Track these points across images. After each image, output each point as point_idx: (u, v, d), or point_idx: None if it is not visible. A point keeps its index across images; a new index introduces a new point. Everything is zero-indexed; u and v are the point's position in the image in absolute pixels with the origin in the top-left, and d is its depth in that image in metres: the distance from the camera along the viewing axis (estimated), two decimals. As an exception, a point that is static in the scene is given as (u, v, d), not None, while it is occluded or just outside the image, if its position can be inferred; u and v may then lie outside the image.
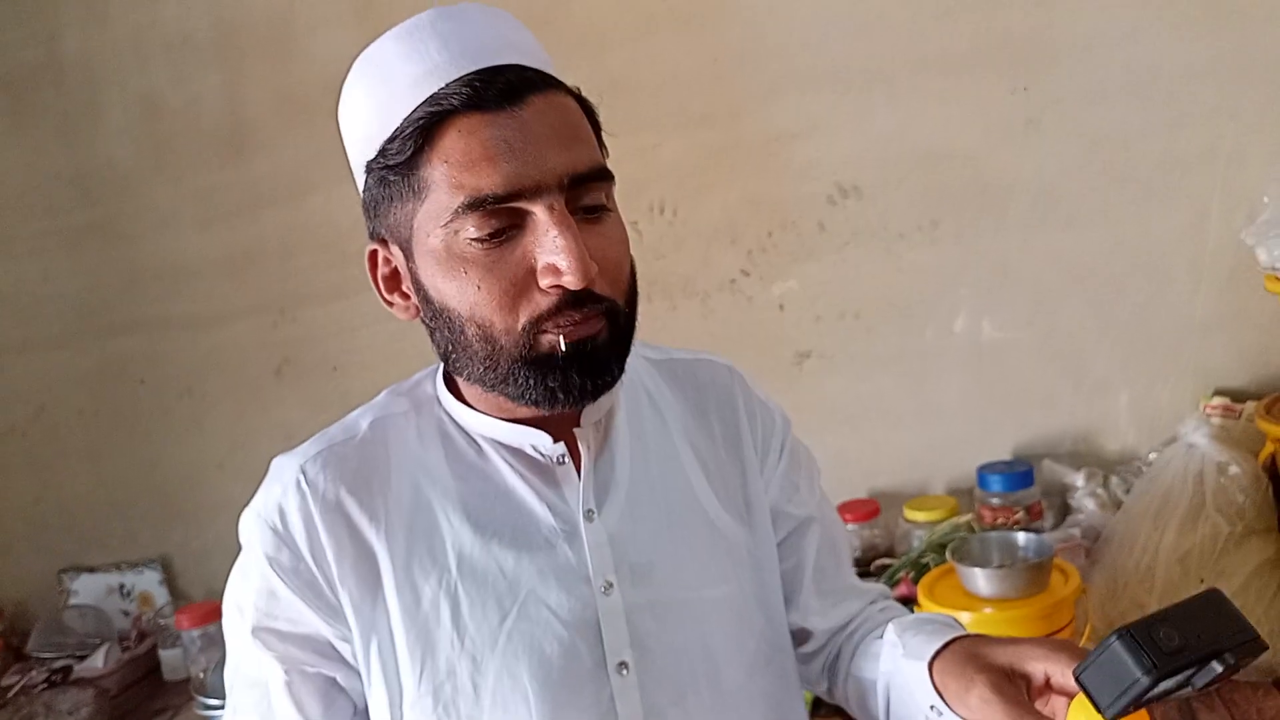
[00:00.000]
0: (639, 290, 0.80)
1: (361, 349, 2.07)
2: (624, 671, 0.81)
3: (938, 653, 0.79)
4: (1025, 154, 1.74)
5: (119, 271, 2.18)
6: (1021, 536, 1.43)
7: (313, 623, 0.80)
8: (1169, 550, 1.49)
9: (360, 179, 0.80)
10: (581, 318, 0.74)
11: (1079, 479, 1.75)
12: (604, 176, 0.76)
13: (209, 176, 2.10)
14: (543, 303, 0.73)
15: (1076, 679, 0.64)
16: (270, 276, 2.11)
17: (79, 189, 2.17)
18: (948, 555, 1.45)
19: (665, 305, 1.93)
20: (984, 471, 1.76)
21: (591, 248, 0.73)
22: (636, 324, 0.80)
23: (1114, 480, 1.75)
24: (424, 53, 0.74)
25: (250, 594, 0.81)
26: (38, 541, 2.32)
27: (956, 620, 0.88)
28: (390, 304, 0.82)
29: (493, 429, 0.82)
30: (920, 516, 1.76)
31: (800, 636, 0.95)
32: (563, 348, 0.74)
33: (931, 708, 0.77)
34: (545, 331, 0.74)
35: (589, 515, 0.82)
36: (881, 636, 0.88)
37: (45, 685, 1.96)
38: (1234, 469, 1.52)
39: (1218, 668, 0.61)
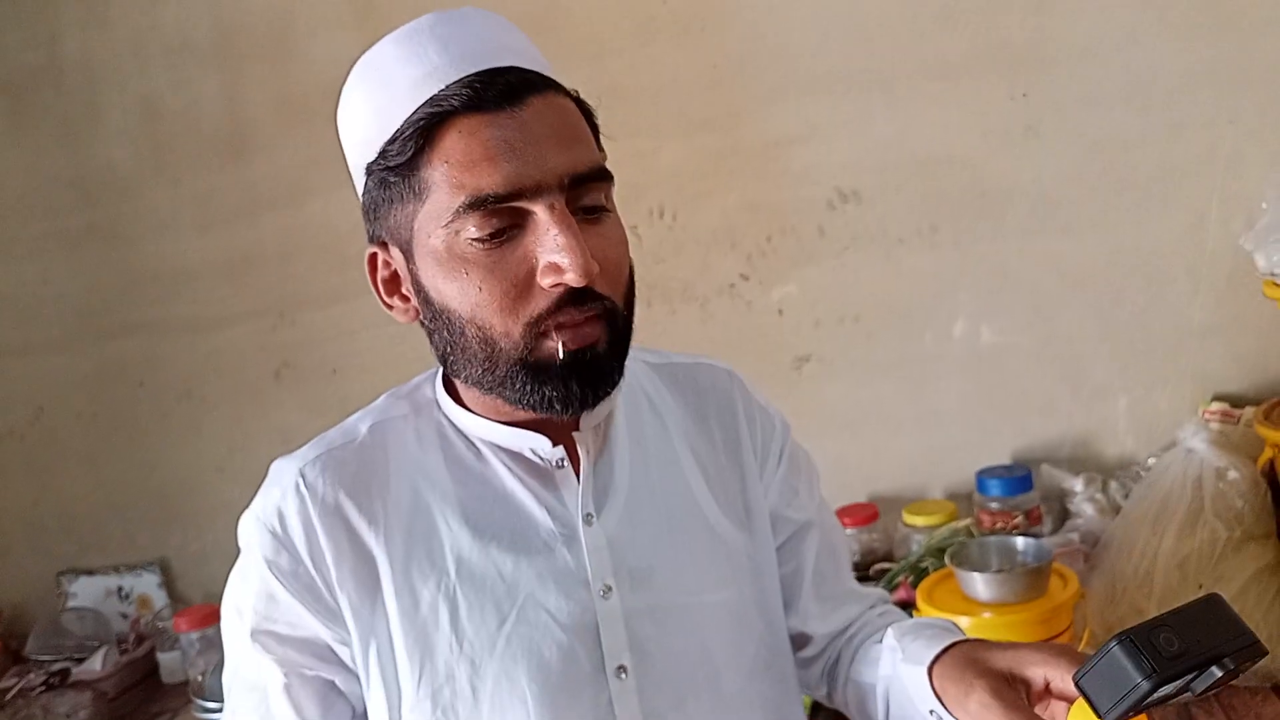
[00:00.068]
0: (637, 295, 0.81)
1: (361, 352, 2.06)
2: (623, 676, 0.81)
3: (937, 657, 0.79)
4: (1024, 159, 1.74)
5: (118, 274, 2.17)
6: (1020, 541, 1.43)
7: (311, 626, 0.80)
8: (1168, 555, 1.49)
9: (360, 182, 0.80)
10: (581, 316, 0.74)
11: (1078, 484, 1.75)
12: (604, 177, 0.76)
13: (208, 179, 2.10)
14: (543, 302, 0.73)
15: (1076, 684, 0.64)
16: (269, 279, 2.11)
17: (78, 191, 2.17)
18: (947, 560, 1.45)
19: (665, 310, 1.93)
20: (983, 476, 1.76)
21: (592, 248, 0.73)
22: (634, 328, 0.80)
23: (1113, 485, 1.74)
24: (424, 56, 0.74)
25: (249, 597, 0.81)
26: (36, 544, 2.31)
27: (956, 625, 0.88)
28: (390, 307, 0.82)
29: (491, 432, 0.82)
30: (919, 521, 1.76)
31: (799, 641, 0.95)
32: (561, 355, 0.74)
33: (931, 713, 0.77)
34: (545, 334, 0.74)
35: (588, 519, 0.82)
36: (881, 641, 0.88)
37: (43, 688, 1.95)
38: (1233, 474, 1.51)
39: (1217, 673, 0.61)
